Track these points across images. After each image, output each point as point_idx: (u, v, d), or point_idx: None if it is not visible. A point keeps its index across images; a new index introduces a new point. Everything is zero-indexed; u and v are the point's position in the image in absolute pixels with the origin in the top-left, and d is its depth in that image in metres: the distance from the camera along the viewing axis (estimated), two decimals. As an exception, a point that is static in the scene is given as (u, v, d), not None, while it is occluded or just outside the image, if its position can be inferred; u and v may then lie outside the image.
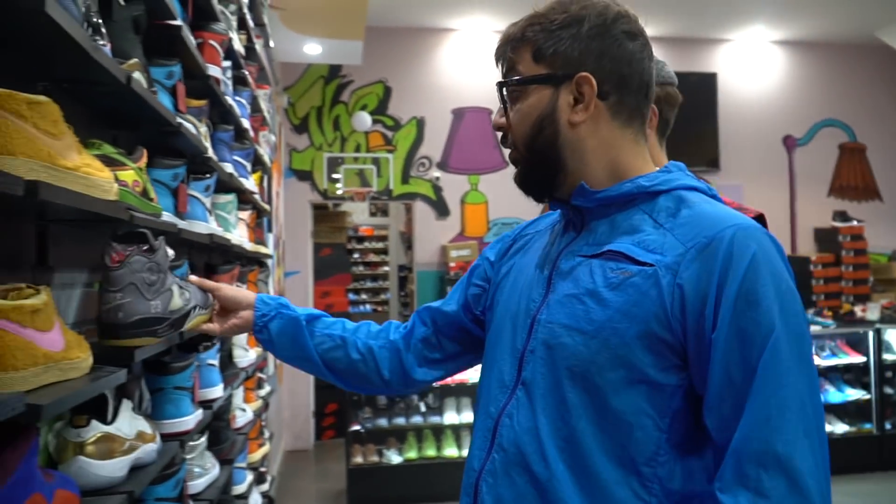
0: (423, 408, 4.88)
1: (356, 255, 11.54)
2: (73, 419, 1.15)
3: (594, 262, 0.94)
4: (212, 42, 1.96)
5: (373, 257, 11.53)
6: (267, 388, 3.26)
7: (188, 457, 1.76)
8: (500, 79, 1.01)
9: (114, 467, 1.18)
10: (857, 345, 5.38)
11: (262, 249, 3.16)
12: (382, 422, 4.77)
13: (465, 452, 4.72)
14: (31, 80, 1.10)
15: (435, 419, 4.80)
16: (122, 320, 1.11)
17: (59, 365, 0.92)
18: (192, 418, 1.61)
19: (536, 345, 0.95)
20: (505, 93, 1.00)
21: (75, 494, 0.99)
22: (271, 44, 3.82)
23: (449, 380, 4.79)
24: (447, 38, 6.46)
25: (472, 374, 4.82)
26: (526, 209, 6.50)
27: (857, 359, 5.29)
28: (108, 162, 1.12)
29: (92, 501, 1.10)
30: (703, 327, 0.85)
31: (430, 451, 4.73)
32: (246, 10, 2.72)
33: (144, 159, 1.29)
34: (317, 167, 6.22)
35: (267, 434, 3.36)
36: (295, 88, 6.19)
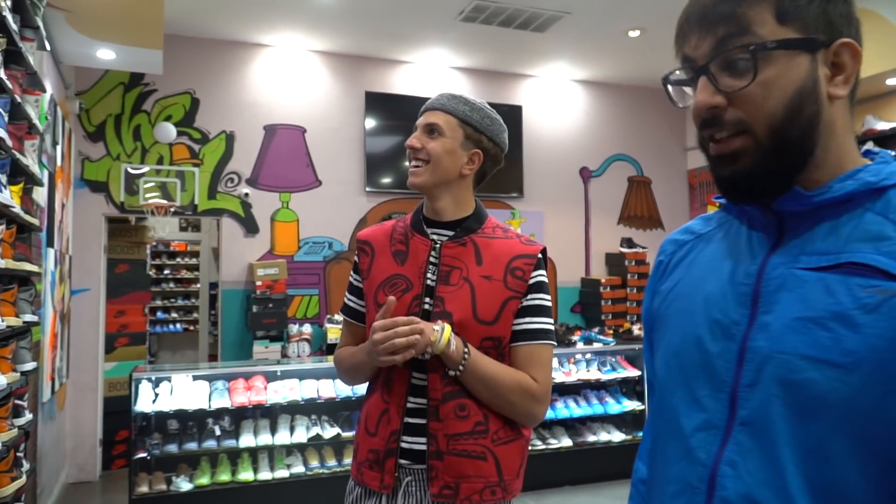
0: (217, 431, 4.72)
1: (167, 272, 10.97)
2: None
3: (830, 278, 0.76)
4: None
5: (185, 273, 11.02)
6: (26, 417, 3.02)
7: None
8: (712, 45, 0.80)
9: None
10: (634, 360, 5.92)
11: (26, 266, 2.94)
12: (172, 448, 4.56)
13: (262, 476, 4.62)
14: None
15: (230, 443, 4.66)
16: None
17: None
18: None
19: (760, 378, 0.78)
20: (728, 61, 0.79)
21: None
22: (47, 47, 3.58)
23: (245, 401, 4.69)
24: (259, 54, 6.38)
25: (270, 396, 4.75)
26: (339, 229, 6.57)
27: (634, 373, 5.82)
28: None
29: None
30: None
31: (224, 476, 4.59)
32: (6, 13, 2.54)
33: None
34: (113, 178, 5.86)
35: (26, 466, 3.10)
36: (90, 94, 5.81)
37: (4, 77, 2.57)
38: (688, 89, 0.86)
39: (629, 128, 7.84)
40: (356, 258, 1.74)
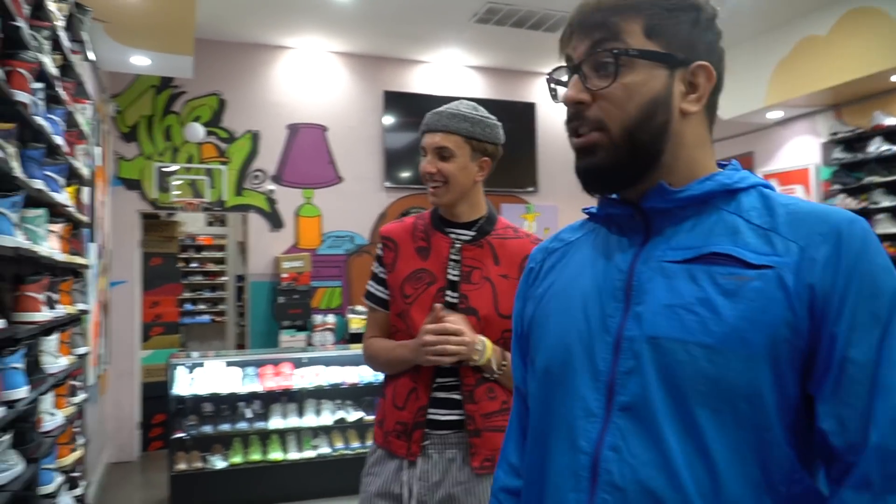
0: (249, 414, 5.05)
1: (194, 265, 11.36)
2: None
3: (694, 268, 0.84)
4: (20, 70, 2.12)
5: (212, 266, 11.41)
6: (81, 396, 3.34)
7: (-11, 452, 1.90)
8: (587, 48, 0.89)
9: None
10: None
11: (78, 260, 3.25)
12: (208, 429, 4.89)
13: (290, 455, 4.94)
14: None
15: (261, 424, 4.99)
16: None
17: None
18: None
19: (637, 365, 0.84)
20: (597, 63, 0.88)
21: None
22: (91, 57, 3.89)
23: (274, 385, 5.01)
24: (282, 56, 6.67)
25: (297, 381, 5.07)
26: (360, 223, 6.85)
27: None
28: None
29: None
30: (827, 323, 0.79)
31: (256, 456, 4.91)
32: (61, 32, 2.84)
33: (-54, 184, 1.47)
34: (146, 176, 6.20)
35: (81, 440, 3.43)
36: (124, 97, 6.15)
37: (60, 90, 2.88)
38: (561, 89, 0.94)
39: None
40: (379, 252, 1.90)
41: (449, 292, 1.79)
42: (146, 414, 6.25)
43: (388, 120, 6.90)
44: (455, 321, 1.70)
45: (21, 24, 2.09)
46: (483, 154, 1.80)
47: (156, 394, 6.00)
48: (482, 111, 1.82)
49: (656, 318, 0.84)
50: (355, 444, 5.17)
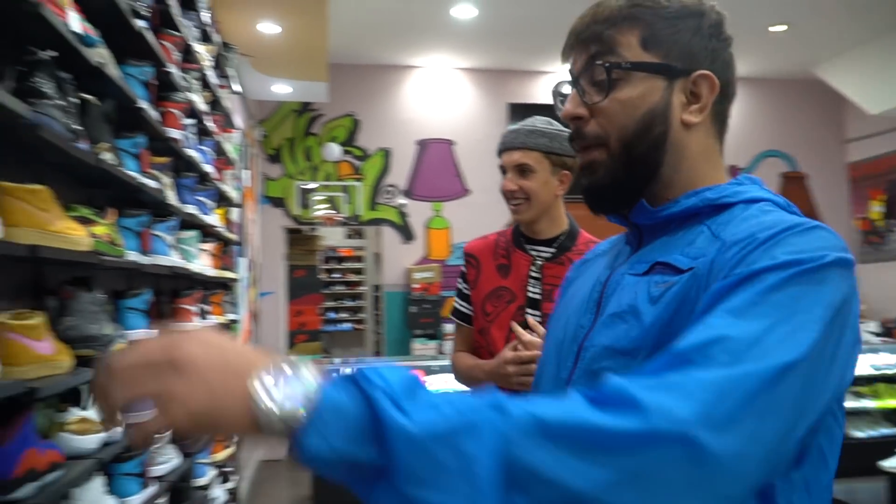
0: (383, 418, 5.30)
1: (336, 275, 11.99)
2: (59, 406, 1.59)
3: (643, 279, 0.82)
4: (173, 110, 2.42)
5: (352, 277, 11.99)
6: (231, 397, 3.69)
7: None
8: (585, 61, 0.86)
9: (88, 441, 1.62)
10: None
11: (227, 274, 3.60)
12: (345, 431, 5.19)
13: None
14: (29, 164, 1.56)
15: (393, 428, 5.22)
16: (72, 336, 1.56)
17: (48, 364, 1.36)
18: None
19: (580, 374, 0.85)
20: (594, 77, 0.85)
21: (60, 453, 1.43)
22: (238, 89, 4.29)
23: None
24: (411, 75, 6.97)
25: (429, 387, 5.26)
26: (487, 234, 6.97)
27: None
28: (85, 221, 1.57)
29: (73, 463, 1.53)
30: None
31: (389, 458, 5.15)
32: (208, 71, 3.19)
33: (113, 215, 1.74)
34: (289, 194, 6.68)
35: (234, 438, 3.78)
36: (269, 122, 6.66)
37: (210, 123, 3.22)
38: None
39: (779, 123, 7.65)
40: (463, 268, 1.92)
41: (530, 310, 1.78)
42: (292, 416, 6.69)
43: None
44: (532, 343, 1.62)
45: (172, 69, 2.40)
46: (563, 168, 1.78)
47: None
48: (557, 125, 1.78)
49: (600, 328, 0.85)
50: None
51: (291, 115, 6.73)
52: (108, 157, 1.68)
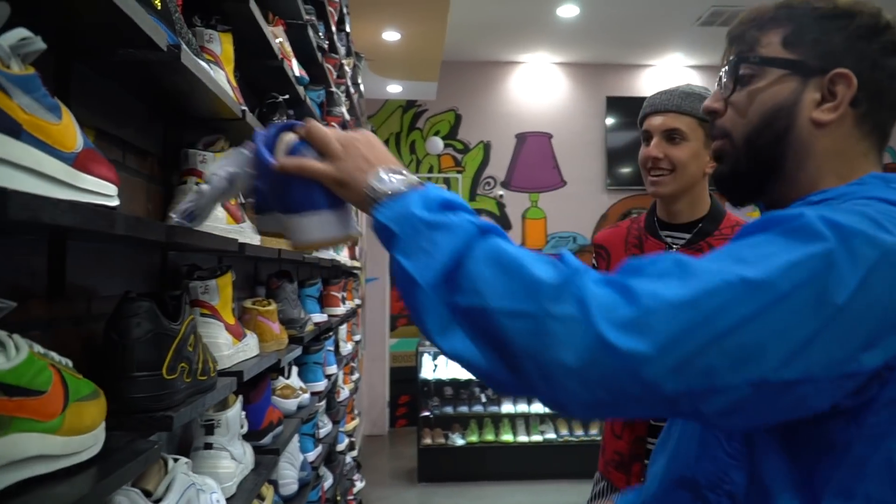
0: (483, 398, 5.65)
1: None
2: (271, 375, 1.98)
3: None
4: (333, 123, 2.79)
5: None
6: (357, 375, 4.10)
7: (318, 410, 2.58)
8: (732, 58, 0.89)
9: (290, 404, 2.00)
10: None
11: (356, 264, 3.99)
12: (448, 409, 5.56)
13: (520, 438, 5.46)
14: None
15: (493, 409, 5.56)
16: (281, 319, 1.93)
17: (278, 341, 1.73)
18: (323, 383, 2.42)
19: None
20: (732, 73, 0.88)
21: (280, 412, 1.81)
22: (362, 93, 4.66)
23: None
24: (514, 70, 7.22)
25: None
26: (582, 224, 7.21)
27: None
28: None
29: (284, 421, 1.91)
30: None
31: (489, 436, 5.49)
32: (350, 84, 3.56)
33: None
34: (395, 186, 7.06)
35: (357, 411, 4.19)
36: (377, 118, 7.07)
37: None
38: None
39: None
40: (593, 261, 1.77)
41: None
42: (393, 394, 7.14)
43: (610, 121, 7.16)
44: None
45: (334, 89, 2.76)
46: None
47: (401, 377, 6.86)
48: None
49: None
50: (579, 431, 5.56)
51: (398, 111, 7.11)
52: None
